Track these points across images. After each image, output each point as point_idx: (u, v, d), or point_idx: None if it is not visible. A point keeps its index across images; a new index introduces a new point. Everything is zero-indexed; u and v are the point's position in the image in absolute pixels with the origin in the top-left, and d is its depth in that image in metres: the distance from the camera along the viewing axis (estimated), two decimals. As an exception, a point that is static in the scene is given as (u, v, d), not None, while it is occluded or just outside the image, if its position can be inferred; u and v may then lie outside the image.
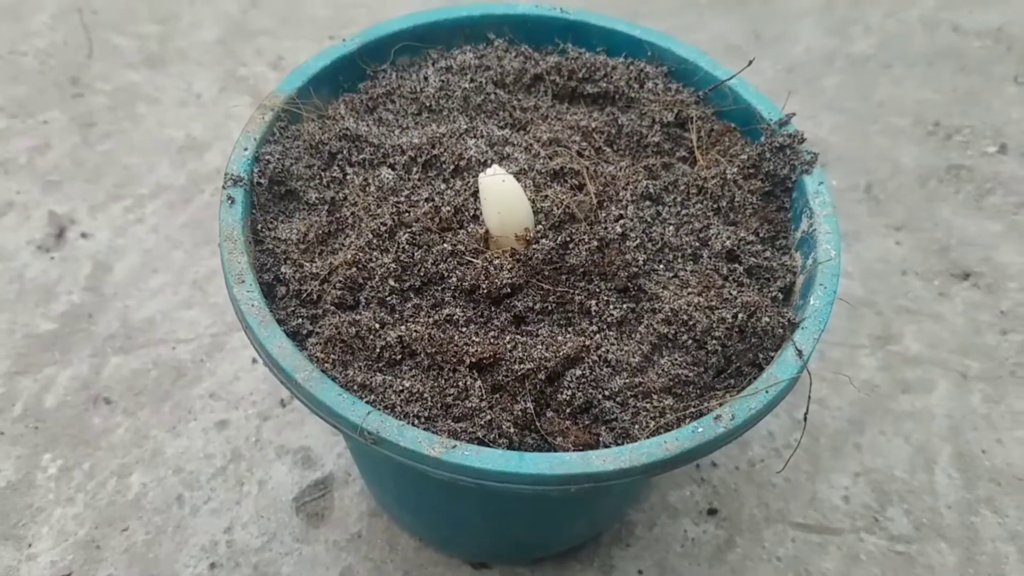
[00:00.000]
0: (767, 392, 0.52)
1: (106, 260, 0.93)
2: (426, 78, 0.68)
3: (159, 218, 0.97)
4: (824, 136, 1.12)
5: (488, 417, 0.52)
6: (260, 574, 0.74)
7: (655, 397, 0.54)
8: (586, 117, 0.68)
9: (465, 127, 0.65)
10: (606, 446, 0.53)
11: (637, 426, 0.53)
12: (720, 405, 0.53)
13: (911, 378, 0.90)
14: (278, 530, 0.77)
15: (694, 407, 0.54)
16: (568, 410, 0.54)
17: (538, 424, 0.53)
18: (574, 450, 0.52)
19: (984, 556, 0.79)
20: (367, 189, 0.61)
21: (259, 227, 0.60)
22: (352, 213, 0.60)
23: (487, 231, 0.58)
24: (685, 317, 0.56)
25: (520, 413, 0.53)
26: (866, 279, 0.98)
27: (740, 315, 0.55)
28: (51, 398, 0.83)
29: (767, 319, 0.56)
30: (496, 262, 0.56)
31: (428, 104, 0.67)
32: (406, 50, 0.70)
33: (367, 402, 0.52)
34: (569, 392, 0.54)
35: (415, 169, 0.62)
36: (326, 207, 0.61)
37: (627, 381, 0.54)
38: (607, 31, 0.72)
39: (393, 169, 0.62)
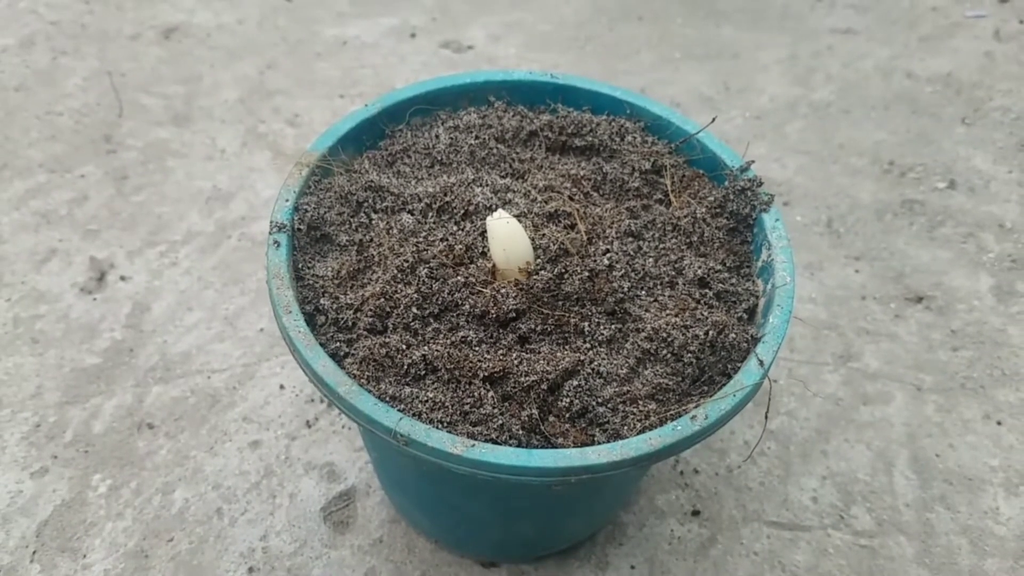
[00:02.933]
0: (734, 396, 0.62)
1: (144, 300, 1.03)
2: (437, 136, 0.79)
3: (191, 261, 1.07)
4: (789, 176, 1.23)
5: (500, 422, 0.62)
6: (294, 576, 0.83)
7: (640, 403, 0.64)
8: (575, 166, 0.78)
9: (472, 177, 0.75)
10: (600, 444, 0.63)
11: (626, 427, 0.63)
12: (696, 408, 0.64)
13: (871, 391, 1.00)
14: (308, 537, 0.86)
15: (674, 410, 0.64)
16: (567, 415, 0.63)
17: (542, 427, 0.63)
18: (574, 448, 0.62)
19: (939, 548, 0.88)
20: (390, 232, 0.71)
21: (300, 266, 0.70)
22: (378, 253, 0.70)
23: (494, 265, 0.68)
24: (664, 335, 0.65)
25: (527, 418, 0.62)
26: (829, 304, 1.08)
27: (711, 332, 0.65)
28: (99, 425, 0.92)
29: (733, 335, 0.66)
30: (503, 291, 0.66)
31: (439, 158, 0.78)
32: (419, 112, 0.81)
33: (398, 411, 0.61)
34: (568, 400, 0.63)
35: (431, 214, 0.72)
36: (355, 248, 0.71)
37: (616, 390, 0.64)
38: (592, 92, 0.83)
39: (412, 214, 0.73)
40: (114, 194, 1.13)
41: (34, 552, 0.83)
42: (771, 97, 1.36)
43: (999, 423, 0.98)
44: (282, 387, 0.96)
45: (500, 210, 0.67)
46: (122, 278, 1.05)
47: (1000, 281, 1.11)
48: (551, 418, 0.63)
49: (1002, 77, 1.41)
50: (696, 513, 0.90)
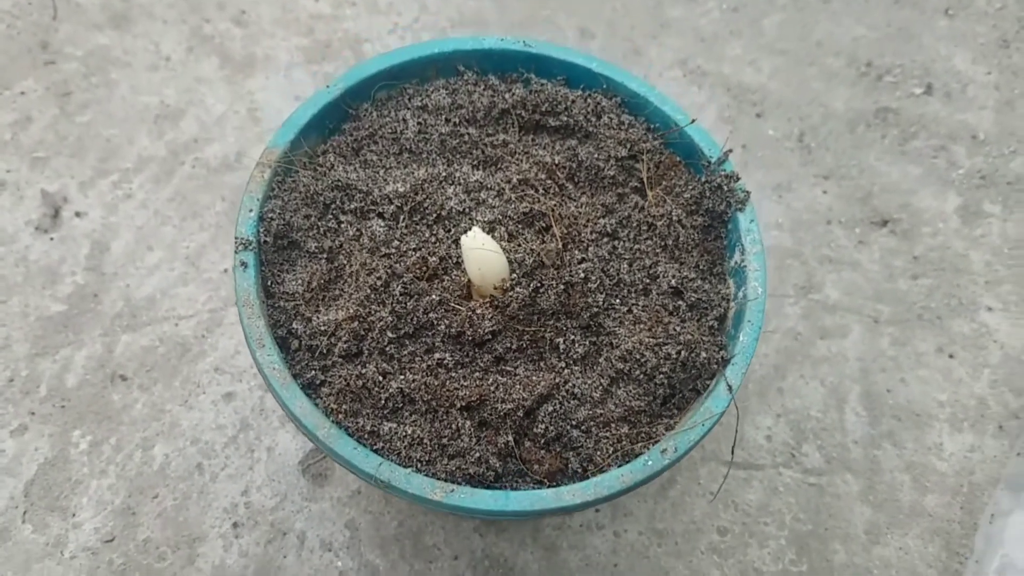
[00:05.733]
0: (703, 425, 0.64)
1: (102, 239, 1.00)
2: (405, 120, 0.75)
3: (146, 193, 1.03)
4: (764, 82, 1.19)
5: (477, 454, 0.63)
6: (277, 530, 0.87)
7: (613, 426, 0.66)
8: (549, 152, 0.75)
9: (444, 173, 0.72)
10: (574, 470, 0.65)
11: (599, 452, 0.65)
12: (666, 430, 0.66)
13: (829, 324, 1.03)
14: (288, 491, 0.89)
15: (644, 432, 0.66)
16: (542, 440, 0.65)
17: (518, 452, 0.65)
18: (547, 476, 0.64)
19: (883, 484, 0.94)
20: (361, 241, 0.69)
21: (269, 283, 0.68)
22: (348, 263, 0.69)
23: (469, 280, 0.68)
24: (638, 356, 0.66)
25: (503, 445, 0.64)
26: (795, 230, 1.08)
27: (682, 352, 0.67)
28: (72, 378, 0.93)
29: (704, 354, 0.67)
30: (479, 312, 0.66)
31: (408, 146, 0.74)
32: (384, 86, 0.77)
33: (377, 449, 0.63)
34: (543, 426, 0.65)
35: (402, 217, 0.70)
36: (325, 255, 0.70)
37: (590, 412, 0.66)
38: (566, 63, 0.78)
39: (382, 218, 0.70)
40: (58, 114, 1.07)
41: (24, 512, 0.86)
42: (750, -16, 1.29)
43: (951, 356, 1.02)
44: (252, 336, 0.96)
45: (476, 229, 0.65)
46: (77, 214, 1.01)
47: (967, 200, 1.12)
48: (527, 443, 0.66)
49: (990, -43, 1.34)
50: (658, 454, 0.94)
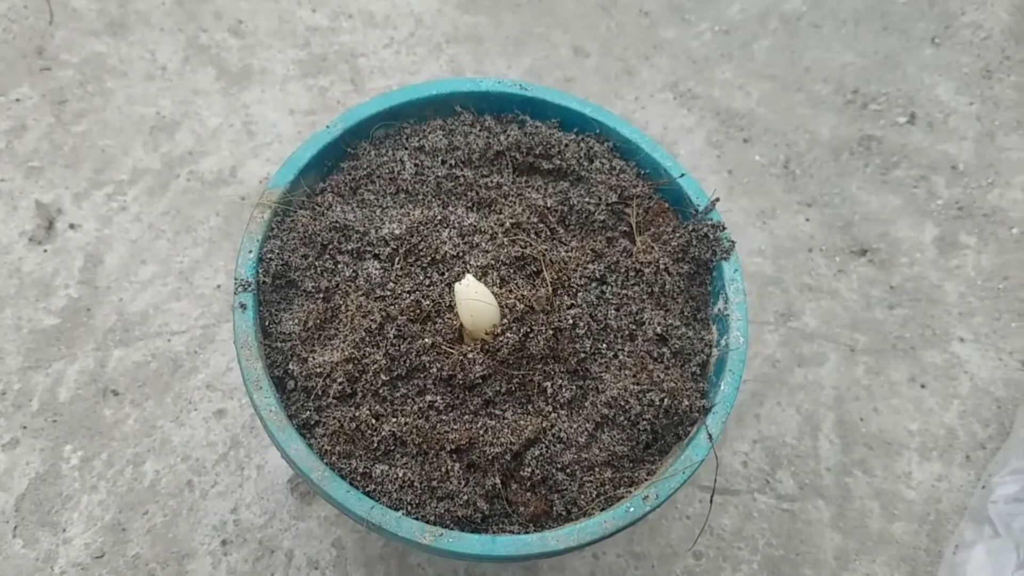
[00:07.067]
0: (684, 472, 0.67)
1: (96, 252, 1.01)
2: (402, 161, 0.77)
3: (140, 206, 1.04)
4: (752, 107, 1.21)
5: (466, 497, 0.66)
6: (265, 548, 0.89)
7: (597, 470, 0.68)
8: (542, 195, 0.77)
9: (439, 216, 0.74)
10: (558, 512, 0.67)
11: (583, 496, 0.68)
12: (648, 475, 0.69)
13: (807, 352, 1.06)
14: (277, 509, 0.91)
15: (627, 477, 0.69)
16: (528, 483, 0.68)
17: (505, 494, 0.67)
18: (532, 518, 0.67)
19: (853, 511, 0.98)
20: (356, 281, 0.71)
21: (267, 323, 0.70)
22: (344, 303, 0.71)
23: (462, 324, 0.70)
24: (622, 402, 0.69)
25: (491, 487, 0.67)
26: (776, 257, 1.11)
27: (665, 399, 0.69)
28: (64, 392, 0.94)
29: (686, 402, 0.69)
30: (470, 356, 0.68)
31: (405, 187, 0.76)
32: (382, 125, 0.78)
33: (368, 491, 0.65)
34: (529, 469, 0.67)
35: (397, 259, 0.72)
36: (321, 295, 0.71)
37: (575, 456, 0.68)
38: (561, 107, 0.80)
39: (378, 259, 0.72)
40: (54, 123, 1.07)
41: (15, 527, 0.88)
42: (742, 7, 1.30)
43: (923, 386, 1.05)
44: (244, 354, 0.98)
45: (469, 276, 0.67)
46: (71, 226, 1.02)
47: (944, 231, 1.15)
48: (513, 485, 0.68)
49: (977, -14, 1.36)
50: (638, 479, 0.97)
